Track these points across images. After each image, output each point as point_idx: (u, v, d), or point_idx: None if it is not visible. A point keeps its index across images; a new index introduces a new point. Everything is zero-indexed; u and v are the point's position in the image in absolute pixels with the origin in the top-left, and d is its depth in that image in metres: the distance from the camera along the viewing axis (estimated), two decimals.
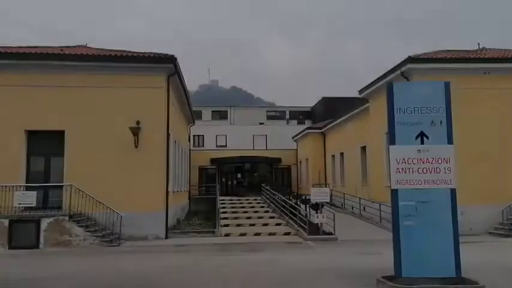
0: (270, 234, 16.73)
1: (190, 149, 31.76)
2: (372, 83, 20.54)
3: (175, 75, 16.69)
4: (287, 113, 50.45)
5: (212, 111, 50.56)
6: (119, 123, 15.66)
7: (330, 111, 38.34)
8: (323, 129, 34.38)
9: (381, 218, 18.20)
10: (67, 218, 14.18)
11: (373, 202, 20.80)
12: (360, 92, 22.05)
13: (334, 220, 15.27)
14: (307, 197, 18.26)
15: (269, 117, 50.00)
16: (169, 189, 17.40)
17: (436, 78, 13.68)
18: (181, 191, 23.57)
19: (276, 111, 50.93)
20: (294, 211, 18.57)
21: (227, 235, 16.65)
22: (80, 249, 13.68)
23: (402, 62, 16.98)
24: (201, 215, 23.50)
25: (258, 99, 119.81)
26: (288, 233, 16.82)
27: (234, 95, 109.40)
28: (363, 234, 16.35)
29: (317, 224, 15.55)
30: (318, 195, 15.49)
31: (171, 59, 15.97)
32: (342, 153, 30.24)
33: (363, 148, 25.57)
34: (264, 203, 26.31)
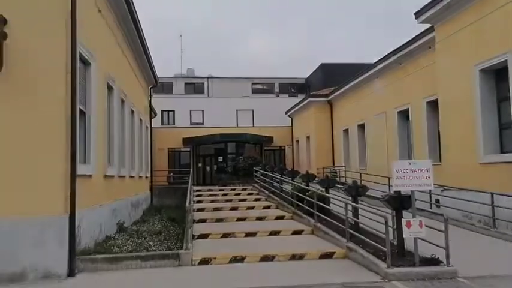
0: (293, 256, 8.20)
1: (152, 127, 22.88)
2: None
3: None
4: (276, 85, 41.87)
5: (185, 83, 41.48)
6: None
7: (331, 80, 30.31)
8: (330, 97, 26.38)
9: (494, 220, 9.77)
10: None
11: (444, 189, 12.55)
12: (418, 14, 13.60)
13: (446, 231, 6.75)
14: (353, 183, 9.84)
15: (255, 91, 41.35)
16: (89, 170, 8.73)
17: None
18: (133, 176, 14.88)
19: (263, 84, 42.23)
20: (324, 205, 10.25)
21: (205, 262, 8.06)
22: None
23: None
24: (167, 212, 15.10)
25: None
26: (330, 254, 8.30)
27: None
28: (488, 257, 7.96)
29: (403, 239, 7.12)
30: (407, 178, 6.89)
31: None
32: (361, 125, 22.19)
33: (402, 113, 17.54)
34: (258, 194, 18.32)
